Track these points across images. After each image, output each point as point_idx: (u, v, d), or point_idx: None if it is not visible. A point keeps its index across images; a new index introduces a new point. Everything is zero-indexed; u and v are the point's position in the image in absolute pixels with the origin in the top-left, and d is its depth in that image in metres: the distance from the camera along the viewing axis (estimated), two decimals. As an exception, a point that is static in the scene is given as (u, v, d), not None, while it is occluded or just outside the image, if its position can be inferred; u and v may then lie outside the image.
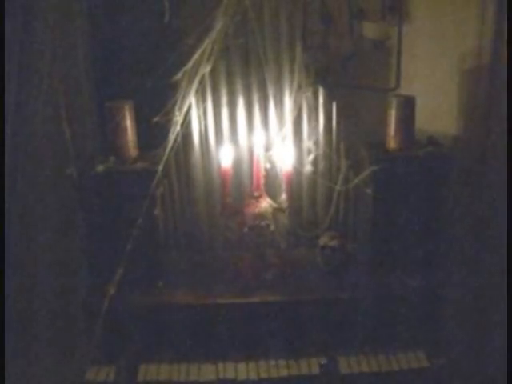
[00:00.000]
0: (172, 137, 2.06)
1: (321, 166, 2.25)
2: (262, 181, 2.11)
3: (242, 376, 1.99)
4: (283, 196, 2.10)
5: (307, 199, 2.31)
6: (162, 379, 1.99)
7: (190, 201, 2.28)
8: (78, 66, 2.14)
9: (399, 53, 2.14)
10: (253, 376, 1.99)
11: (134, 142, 2.10)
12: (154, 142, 2.10)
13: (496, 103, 2.21)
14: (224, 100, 2.17)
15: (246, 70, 2.15)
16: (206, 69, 2.05)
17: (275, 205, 2.10)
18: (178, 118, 2.06)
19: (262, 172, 2.12)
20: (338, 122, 2.20)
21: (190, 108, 2.12)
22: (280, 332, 2.06)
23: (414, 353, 2.06)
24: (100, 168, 2.00)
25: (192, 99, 2.10)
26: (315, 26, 2.16)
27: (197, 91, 2.09)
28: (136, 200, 2.00)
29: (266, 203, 2.09)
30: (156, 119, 2.06)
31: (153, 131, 2.09)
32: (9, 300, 2.01)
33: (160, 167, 2.01)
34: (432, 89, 2.23)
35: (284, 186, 2.10)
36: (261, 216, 2.08)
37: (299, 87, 2.15)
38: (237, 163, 2.20)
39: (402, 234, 2.11)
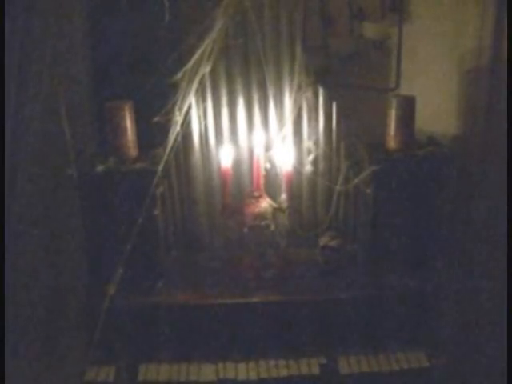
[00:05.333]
0: (172, 137, 2.06)
1: (321, 166, 2.25)
2: (262, 181, 2.11)
3: (242, 376, 1.99)
4: (283, 196, 2.10)
5: (307, 199, 2.31)
6: (161, 379, 1.99)
7: (190, 201, 2.29)
8: (77, 66, 2.14)
9: (399, 53, 2.14)
10: (253, 376, 1.99)
11: (134, 141, 2.09)
12: (154, 141, 2.10)
13: (496, 103, 2.21)
14: (224, 100, 2.17)
15: (245, 70, 2.15)
16: (206, 69, 2.05)
17: (275, 205, 2.10)
18: (178, 117, 2.07)
19: (262, 172, 2.12)
20: (337, 122, 2.20)
21: (190, 108, 2.12)
22: (280, 332, 2.06)
23: (414, 353, 2.06)
24: (100, 168, 2.00)
25: (192, 99, 2.10)
26: (315, 26, 2.16)
27: (197, 91, 2.09)
28: (136, 200, 2.00)
29: (265, 203, 2.09)
30: (156, 119, 2.06)
31: (153, 131, 2.09)
32: (9, 300, 2.01)
33: (160, 167, 2.01)
34: (432, 89, 2.23)
35: (284, 186, 2.10)
36: (261, 216, 2.08)
37: (299, 87, 2.15)
38: (237, 163, 2.20)
39: (402, 234, 2.11)
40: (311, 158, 2.23)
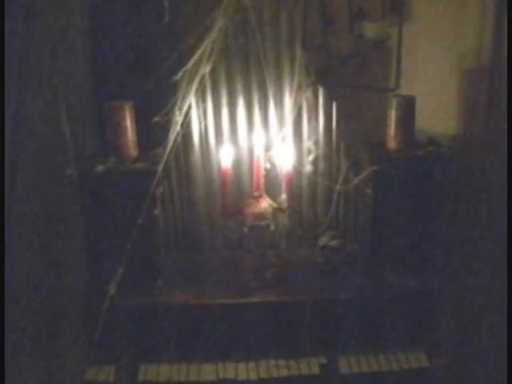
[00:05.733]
0: (172, 137, 2.06)
1: (321, 166, 2.25)
2: (262, 181, 2.11)
3: (242, 376, 1.99)
4: (283, 196, 2.10)
5: (307, 199, 2.31)
6: (161, 379, 2.00)
7: (190, 201, 2.29)
8: (77, 65, 2.14)
9: (399, 53, 2.14)
10: (253, 376, 1.99)
11: (134, 141, 2.10)
12: (154, 141, 2.10)
13: (496, 103, 2.21)
14: (224, 100, 2.17)
15: (245, 70, 2.15)
16: (206, 69, 2.05)
17: (275, 205, 2.10)
18: (178, 118, 2.07)
19: (262, 172, 2.12)
20: (338, 122, 2.20)
21: (190, 108, 2.12)
22: (280, 332, 2.06)
23: (414, 353, 2.06)
24: (100, 168, 2.00)
25: (192, 99, 2.10)
26: (315, 26, 2.16)
27: (197, 91, 2.10)
28: (136, 200, 2.00)
29: (265, 203, 2.09)
30: (156, 119, 2.06)
31: (153, 131, 2.09)
32: (9, 300, 2.01)
33: (160, 167, 2.02)
34: (432, 89, 2.23)
35: (284, 186, 2.10)
36: (261, 216, 2.08)
37: (299, 87, 2.15)
38: (237, 163, 2.20)
39: (402, 234, 2.11)
40: (311, 158, 2.23)
